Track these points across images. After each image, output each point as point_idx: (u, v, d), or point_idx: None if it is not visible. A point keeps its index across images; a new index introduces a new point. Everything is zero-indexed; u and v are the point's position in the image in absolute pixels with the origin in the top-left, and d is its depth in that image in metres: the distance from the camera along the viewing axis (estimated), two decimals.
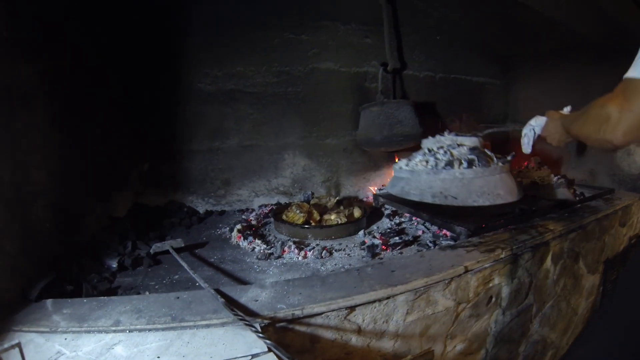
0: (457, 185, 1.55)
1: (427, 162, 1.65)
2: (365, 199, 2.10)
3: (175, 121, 1.84)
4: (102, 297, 0.98)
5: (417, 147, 1.87)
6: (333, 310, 0.88)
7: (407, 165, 1.72)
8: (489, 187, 1.55)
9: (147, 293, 1.10)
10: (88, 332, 0.82)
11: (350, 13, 2.03)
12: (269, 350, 0.72)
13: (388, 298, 0.93)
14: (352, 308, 0.90)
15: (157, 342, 0.78)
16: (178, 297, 0.94)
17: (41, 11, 1.17)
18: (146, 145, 1.84)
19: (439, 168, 1.61)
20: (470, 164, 1.60)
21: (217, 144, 1.93)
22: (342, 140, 2.10)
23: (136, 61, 1.72)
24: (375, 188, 2.15)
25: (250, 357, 0.72)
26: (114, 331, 0.81)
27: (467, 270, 1.04)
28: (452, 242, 1.30)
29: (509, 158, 1.74)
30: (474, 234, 1.28)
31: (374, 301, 0.91)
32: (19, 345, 0.72)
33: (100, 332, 0.82)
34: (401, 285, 0.93)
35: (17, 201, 1.01)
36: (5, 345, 0.72)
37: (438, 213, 1.48)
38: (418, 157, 1.70)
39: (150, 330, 0.81)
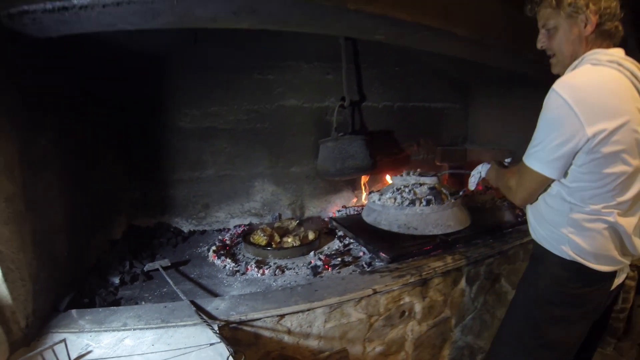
0: (417, 219, 2.14)
1: (395, 199, 2.25)
2: (326, 219, 2.71)
3: (160, 155, 2.45)
4: (112, 307, 1.58)
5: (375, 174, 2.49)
6: (268, 317, 1.48)
7: (379, 199, 2.31)
8: (442, 219, 2.15)
9: (144, 303, 1.70)
10: (105, 331, 1.43)
11: (313, 52, 2.60)
12: (221, 337, 1.33)
13: (309, 310, 1.53)
14: (281, 316, 1.50)
15: (152, 336, 1.38)
16: (165, 306, 1.55)
17: (45, 92, 1.75)
18: (136, 176, 2.45)
19: (404, 205, 2.20)
20: (428, 202, 2.19)
21: (197, 174, 2.55)
22: (305, 168, 2.71)
23: (127, 108, 2.31)
24: (336, 210, 2.76)
25: (209, 345, 1.32)
26: (123, 329, 1.42)
27: (375, 292, 1.63)
28: (376, 266, 1.90)
29: (460, 194, 2.34)
30: (394, 261, 1.87)
31: (298, 312, 1.51)
32: (64, 340, 1.33)
33: (113, 330, 1.42)
34: (317, 302, 1.53)
35: (45, 240, 1.60)
36: (56, 340, 1.32)
37: (372, 240, 2.09)
38: (388, 194, 2.29)
39: (147, 328, 1.41)
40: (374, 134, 2.76)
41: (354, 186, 2.90)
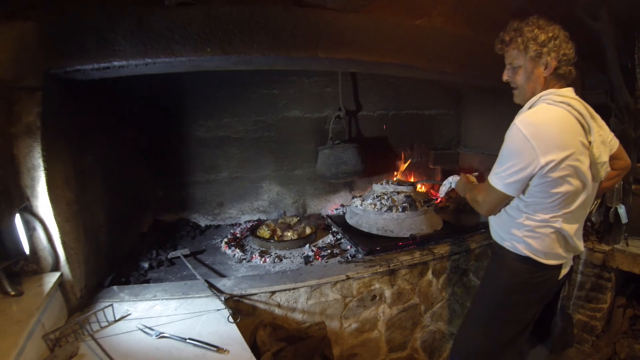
0: (393, 223, 2.64)
1: (375, 205, 2.75)
2: (325, 216, 3.24)
3: (181, 161, 3.05)
4: (144, 284, 2.18)
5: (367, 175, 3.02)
6: (262, 293, 2.02)
7: (361, 204, 2.82)
8: (416, 224, 2.64)
9: (168, 282, 2.30)
10: (140, 300, 2.00)
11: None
12: (225, 306, 1.89)
13: (294, 289, 2.07)
14: (273, 292, 2.04)
15: (175, 304, 1.95)
16: (185, 284, 2.11)
17: (89, 121, 2.32)
18: (161, 179, 3.06)
19: (382, 211, 2.69)
20: (404, 209, 2.68)
21: (212, 176, 3.13)
22: (307, 171, 3.25)
23: (152, 122, 2.91)
24: (334, 209, 3.30)
25: (216, 310, 1.89)
26: (154, 299, 1.99)
27: (348, 278, 2.15)
28: (357, 258, 2.41)
29: (433, 202, 2.82)
30: (369, 254, 2.38)
31: (285, 290, 2.05)
32: (112, 305, 1.93)
33: (146, 300, 2.00)
34: (301, 283, 2.06)
35: (92, 233, 2.19)
36: (107, 304, 1.92)
37: (356, 236, 2.60)
38: (369, 200, 2.80)
39: (171, 299, 1.98)
40: (370, 140, 3.29)
41: (351, 187, 3.43)
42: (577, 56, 1.63)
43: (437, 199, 2.86)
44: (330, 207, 3.39)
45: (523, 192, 1.65)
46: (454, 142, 3.73)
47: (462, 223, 2.88)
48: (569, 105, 1.54)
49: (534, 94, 1.67)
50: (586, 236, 2.90)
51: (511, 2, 2.47)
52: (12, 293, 1.61)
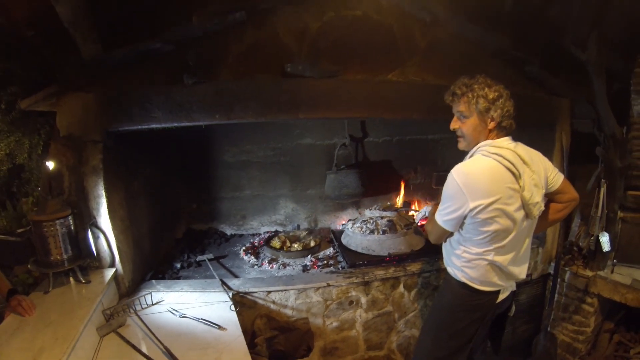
0: (375, 244, 3.39)
1: (361, 228, 3.52)
2: (330, 231, 4.06)
3: (210, 180, 4.01)
4: (175, 280, 3.11)
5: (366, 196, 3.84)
6: (261, 291, 2.88)
7: (352, 227, 3.60)
8: (395, 245, 3.37)
9: (193, 279, 3.25)
10: (171, 291, 2.90)
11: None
12: (231, 300, 2.80)
13: (285, 290, 2.91)
14: (269, 292, 2.90)
15: (196, 295, 2.83)
16: (205, 281, 3.01)
17: (134, 156, 3.32)
18: (194, 195, 4.05)
19: (366, 233, 3.45)
20: (384, 232, 3.43)
21: (237, 193, 4.07)
22: (318, 191, 4.09)
23: (187, 150, 3.86)
24: (341, 224, 4.13)
25: (225, 302, 2.79)
26: (181, 291, 2.88)
27: (328, 285, 2.94)
28: (345, 269, 3.22)
29: (412, 226, 3.54)
30: (352, 267, 3.15)
31: (278, 290, 2.89)
32: (150, 293, 2.88)
33: (175, 291, 2.90)
34: (290, 286, 2.89)
35: (138, 242, 3.11)
36: (147, 293, 2.89)
37: (347, 251, 3.40)
38: (358, 224, 3.57)
39: (194, 292, 2.86)
40: (376, 164, 4.09)
41: (358, 205, 4.23)
42: (514, 112, 2.02)
43: (415, 224, 3.62)
44: (339, 222, 4.20)
45: (461, 228, 2.06)
46: (455, 164, 4.35)
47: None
48: (500, 156, 1.92)
49: (477, 142, 2.04)
50: (572, 260, 3.36)
51: (489, 43, 3.00)
52: (84, 281, 2.56)
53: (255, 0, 2.56)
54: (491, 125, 1.99)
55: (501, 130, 2.02)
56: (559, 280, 3.42)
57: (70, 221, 2.55)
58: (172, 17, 2.48)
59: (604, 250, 3.11)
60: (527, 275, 3.20)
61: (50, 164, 2.61)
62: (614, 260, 3.18)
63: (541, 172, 2.09)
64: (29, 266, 2.71)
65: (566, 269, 3.36)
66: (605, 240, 3.09)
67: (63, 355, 1.85)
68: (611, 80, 3.08)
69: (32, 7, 2.43)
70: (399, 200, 4.23)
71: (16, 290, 2.33)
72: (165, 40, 2.47)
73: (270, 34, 2.70)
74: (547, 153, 3.10)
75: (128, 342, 2.25)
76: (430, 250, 3.30)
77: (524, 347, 3.58)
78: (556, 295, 3.44)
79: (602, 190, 3.15)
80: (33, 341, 1.95)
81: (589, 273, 3.21)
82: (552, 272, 3.47)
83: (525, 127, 3.14)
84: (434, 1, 2.79)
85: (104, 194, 2.62)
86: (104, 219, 2.67)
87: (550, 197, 2.29)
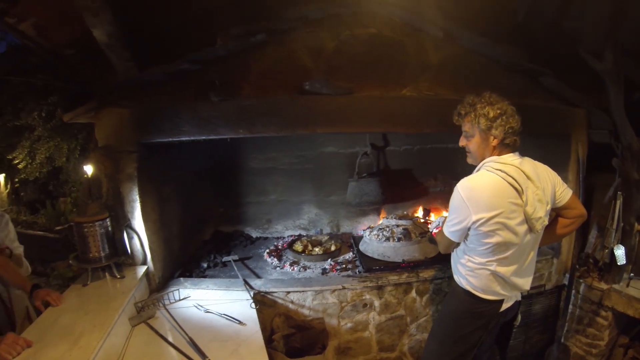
0: (390, 251, 3.57)
1: (378, 235, 3.71)
2: (351, 236, 4.27)
3: (237, 185, 4.30)
4: (201, 278, 3.40)
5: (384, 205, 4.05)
6: (280, 292, 3.12)
7: (369, 235, 3.78)
8: (409, 252, 3.54)
9: (218, 278, 3.53)
10: (197, 288, 3.16)
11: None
12: (252, 298, 3.07)
13: (303, 291, 3.15)
14: (287, 292, 3.13)
15: (220, 292, 3.08)
16: (229, 280, 3.27)
17: (165, 164, 3.67)
18: (221, 199, 4.35)
19: (382, 240, 3.64)
20: (399, 239, 3.62)
21: (262, 198, 4.35)
22: (341, 197, 4.30)
23: (215, 157, 4.15)
24: (363, 229, 4.34)
25: (246, 300, 3.05)
26: (207, 289, 3.14)
27: (344, 288, 3.15)
28: (354, 273, 3.41)
29: (427, 234, 3.69)
30: (367, 271, 3.35)
31: (297, 291, 3.13)
32: (178, 290, 3.18)
33: (201, 289, 3.16)
34: (308, 287, 3.13)
35: (168, 242, 3.42)
36: (175, 289, 3.19)
37: (364, 257, 3.60)
38: (374, 231, 3.76)
39: (219, 289, 3.11)
40: (397, 172, 4.28)
41: (379, 211, 4.43)
42: (520, 128, 2.11)
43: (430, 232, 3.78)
44: (360, 227, 4.41)
45: (466, 238, 2.22)
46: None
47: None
48: (503, 172, 2.04)
49: (483, 158, 2.18)
50: (587, 272, 3.34)
51: (502, 56, 3.09)
52: (118, 276, 2.87)
53: (275, 21, 2.81)
54: (494, 142, 2.11)
55: (505, 147, 2.13)
56: (573, 291, 3.44)
57: (108, 223, 2.88)
58: (197, 37, 2.77)
59: (618, 264, 3.10)
60: (541, 286, 3.36)
61: (89, 169, 2.96)
62: (631, 274, 3.20)
63: (547, 188, 2.18)
64: (70, 261, 3.04)
65: (581, 280, 3.37)
66: (620, 253, 3.10)
67: (100, 339, 2.13)
68: (630, 89, 3.08)
69: (73, 30, 2.73)
70: (419, 209, 4.41)
71: (39, 285, 2.65)
72: (192, 61, 2.75)
73: (289, 53, 2.94)
74: (563, 163, 3.27)
75: (157, 332, 2.53)
76: (443, 258, 3.35)
77: (537, 358, 3.65)
78: (570, 307, 3.47)
79: (618, 203, 3.16)
80: (74, 326, 2.25)
81: (603, 286, 3.22)
82: (566, 283, 3.51)
83: (541, 138, 3.34)
84: (446, 17, 2.95)
85: (138, 198, 2.93)
86: (138, 221, 2.99)
87: (558, 212, 2.40)
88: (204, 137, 2.87)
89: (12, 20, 2.52)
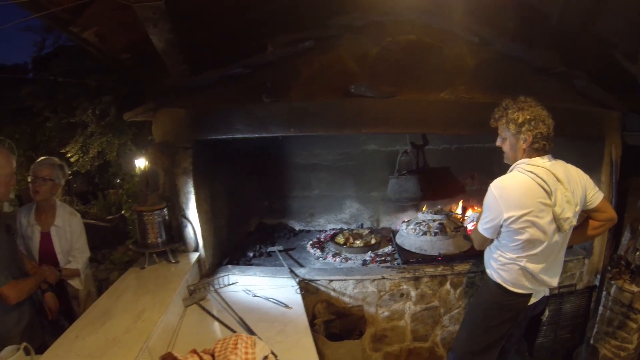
0: (427, 244, 3.77)
1: (414, 229, 3.92)
2: (390, 231, 4.50)
3: (282, 180, 4.62)
4: (248, 266, 3.71)
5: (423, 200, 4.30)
6: (323, 280, 3.39)
7: (406, 228, 4.00)
8: (444, 245, 3.74)
9: (264, 266, 3.85)
10: (245, 275, 3.46)
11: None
12: (297, 285, 3.39)
13: (344, 280, 3.41)
14: (330, 280, 3.41)
15: (267, 279, 3.38)
16: (275, 268, 3.57)
17: (216, 161, 4.01)
18: (267, 193, 4.68)
19: (419, 234, 3.86)
20: (435, 233, 3.82)
21: (306, 193, 4.65)
22: (381, 193, 4.55)
23: (262, 154, 4.47)
24: (400, 223, 4.60)
25: (291, 286, 3.35)
26: (254, 275, 3.44)
27: (383, 278, 3.39)
28: (393, 264, 3.67)
29: (460, 229, 3.90)
30: (405, 263, 3.58)
31: (339, 280, 3.39)
32: (227, 275, 3.51)
33: (249, 275, 3.46)
34: (350, 276, 3.39)
35: (217, 231, 3.73)
36: (224, 275, 3.53)
37: (403, 250, 3.84)
38: (412, 225, 3.97)
39: (265, 276, 3.41)
40: (435, 170, 4.50)
41: (418, 207, 4.64)
42: (553, 132, 2.26)
43: (464, 228, 3.98)
44: (399, 222, 4.63)
45: (498, 235, 2.40)
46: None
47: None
48: (534, 173, 2.19)
49: (515, 160, 2.36)
50: (619, 274, 3.44)
51: (535, 60, 3.26)
52: (173, 261, 3.19)
53: (321, 29, 3.08)
54: (523, 146, 2.28)
55: (534, 151, 2.29)
56: (604, 293, 3.49)
57: (165, 212, 3.21)
58: (245, 44, 3.07)
59: None
60: (572, 285, 3.49)
61: (141, 163, 3.33)
62: None
63: (577, 190, 2.30)
64: (129, 246, 3.41)
65: (612, 282, 3.42)
66: None
67: (161, 314, 2.44)
68: None
69: (130, 37, 3.05)
70: (458, 205, 4.63)
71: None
72: (245, 66, 3.07)
73: (335, 58, 3.21)
74: (597, 166, 3.37)
75: (208, 312, 2.84)
76: (477, 253, 3.47)
77: (565, 358, 3.75)
78: (601, 308, 3.52)
79: None
80: (136, 302, 2.58)
81: (634, 288, 3.26)
82: (597, 284, 3.55)
83: (576, 140, 3.48)
84: (481, 23, 3.14)
85: (192, 190, 3.27)
86: (192, 212, 3.32)
87: (588, 214, 2.54)
88: (256, 135, 3.16)
89: (76, 29, 2.85)
